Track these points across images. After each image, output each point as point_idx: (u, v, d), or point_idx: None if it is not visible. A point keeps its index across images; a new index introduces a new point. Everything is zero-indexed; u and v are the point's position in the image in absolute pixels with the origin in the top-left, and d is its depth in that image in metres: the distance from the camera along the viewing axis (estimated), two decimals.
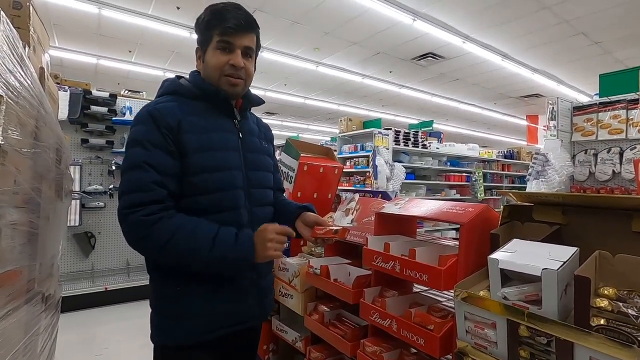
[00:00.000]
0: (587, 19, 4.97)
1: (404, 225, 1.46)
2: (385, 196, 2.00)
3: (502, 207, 1.08)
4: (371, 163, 5.51)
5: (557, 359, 0.73)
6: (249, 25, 1.00)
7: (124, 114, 3.80)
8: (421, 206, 1.26)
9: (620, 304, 0.69)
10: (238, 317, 1.02)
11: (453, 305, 1.18)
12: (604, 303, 0.70)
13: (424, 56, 6.54)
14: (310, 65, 6.97)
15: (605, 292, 0.72)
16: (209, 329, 0.97)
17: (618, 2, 4.50)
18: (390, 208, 1.30)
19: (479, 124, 12.76)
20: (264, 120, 1.27)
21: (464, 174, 7.17)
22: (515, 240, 0.88)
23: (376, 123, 6.13)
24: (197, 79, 1.02)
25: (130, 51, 6.62)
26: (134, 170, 0.89)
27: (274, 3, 4.77)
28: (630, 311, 0.67)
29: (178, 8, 4.96)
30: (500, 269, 0.77)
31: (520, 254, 0.79)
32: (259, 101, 1.13)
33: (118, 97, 3.84)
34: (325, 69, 7.20)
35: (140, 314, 3.42)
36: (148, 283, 3.82)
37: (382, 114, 11.22)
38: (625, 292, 0.72)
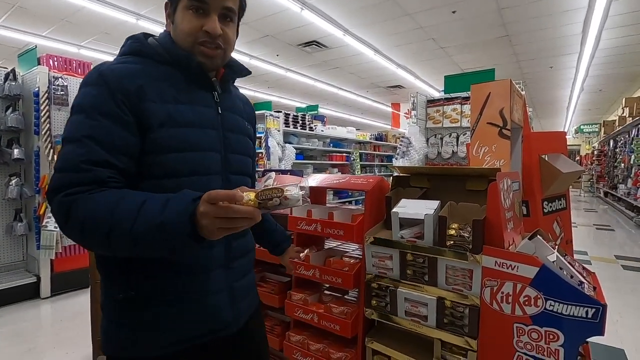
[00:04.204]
0: (436, 27, 6.16)
1: (317, 196, 1.78)
2: (294, 173, 2.29)
3: (391, 178, 1.49)
4: (264, 144, 5.73)
5: (428, 270, 1.15)
6: None
7: None
8: (333, 180, 1.59)
9: (460, 231, 1.15)
10: (207, 324, 0.84)
11: (358, 254, 1.58)
12: (452, 232, 1.14)
13: (309, 43, 6.97)
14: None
15: (453, 225, 1.17)
16: (174, 339, 0.80)
17: (458, 17, 5.72)
18: (309, 182, 1.59)
19: (354, 109, 14.20)
20: None
21: (344, 154, 8.05)
22: (403, 199, 1.28)
23: (267, 105, 6.32)
24: (166, 40, 0.85)
25: None
26: (70, 144, 0.72)
27: None
28: (465, 235, 1.13)
29: None
30: (399, 218, 1.16)
31: (409, 208, 1.18)
32: (245, 71, 0.98)
33: None
34: None
35: (12, 318, 2.98)
36: (17, 285, 3.44)
37: (268, 96, 11.41)
38: (463, 225, 1.19)
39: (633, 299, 3.36)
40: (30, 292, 3.31)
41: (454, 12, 5.52)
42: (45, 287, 3.35)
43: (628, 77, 9.29)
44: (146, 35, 0.88)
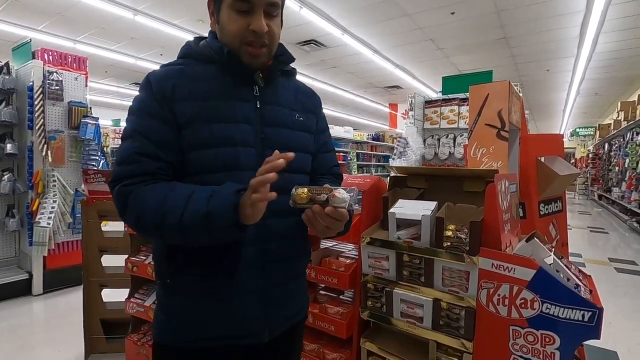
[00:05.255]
0: (435, 28, 6.16)
1: None
2: None
3: (389, 178, 1.48)
4: None
5: (424, 271, 1.15)
6: None
7: None
8: None
9: (457, 232, 1.14)
10: (232, 326, 0.83)
11: (354, 254, 1.57)
12: (449, 233, 1.14)
13: (307, 42, 6.95)
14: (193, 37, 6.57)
15: (450, 226, 1.17)
16: (197, 334, 0.82)
17: (456, 18, 5.73)
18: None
19: (352, 108, 14.19)
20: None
21: (341, 153, 8.06)
22: (400, 200, 1.27)
23: None
24: (209, 39, 0.88)
25: None
26: (125, 141, 0.80)
27: None
28: (462, 236, 1.12)
29: None
30: (396, 218, 1.15)
31: (406, 208, 1.18)
32: (290, 59, 0.96)
33: None
34: None
35: (4, 315, 2.95)
36: (9, 281, 3.41)
37: None
38: (460, 226, 1.19)
39: (626, 302, 3.38)
40: (22, 289, 3.28)
41: (452, 13, 5.52)
42: (38, 284, 3.32)
43: (624, 81, 9.36)
44: (200, 39, 0.91)
